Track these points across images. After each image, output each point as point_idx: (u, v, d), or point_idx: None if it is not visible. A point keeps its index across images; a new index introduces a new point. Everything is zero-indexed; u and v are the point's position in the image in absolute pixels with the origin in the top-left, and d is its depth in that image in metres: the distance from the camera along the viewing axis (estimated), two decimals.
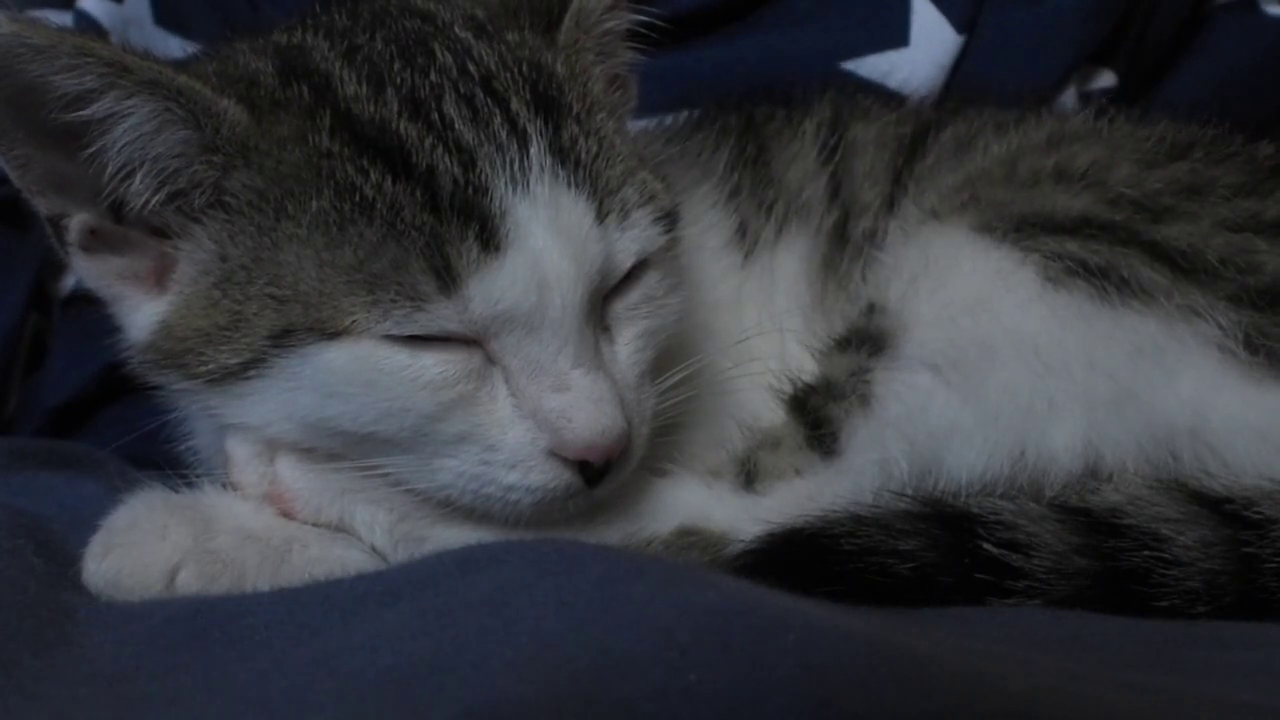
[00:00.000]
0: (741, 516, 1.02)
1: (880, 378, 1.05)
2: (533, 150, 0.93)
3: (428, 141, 0.91)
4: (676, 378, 1.02)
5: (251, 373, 0.92)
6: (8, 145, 0.92)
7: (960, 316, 1.05)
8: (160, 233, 0.96)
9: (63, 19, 1.44)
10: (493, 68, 0.97)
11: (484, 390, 0.93)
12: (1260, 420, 1.00)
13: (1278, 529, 0.94)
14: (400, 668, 0.69)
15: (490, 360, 0.93)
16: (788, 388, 1.10)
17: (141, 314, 0.98)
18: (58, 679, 0.76)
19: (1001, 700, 0.64)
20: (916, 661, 0.64)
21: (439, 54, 0.97)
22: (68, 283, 1.47)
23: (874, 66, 1.46)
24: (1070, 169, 1.12)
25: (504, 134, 0.93)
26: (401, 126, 0.92)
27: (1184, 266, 1.04)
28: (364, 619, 0.78)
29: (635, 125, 1.20)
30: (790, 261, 1.21)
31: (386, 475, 0.96)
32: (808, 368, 1.12)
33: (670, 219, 1.01)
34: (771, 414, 1.10)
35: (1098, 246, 1.04)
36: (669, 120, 1.33)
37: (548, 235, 0.91)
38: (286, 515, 0.98)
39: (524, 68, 0.98)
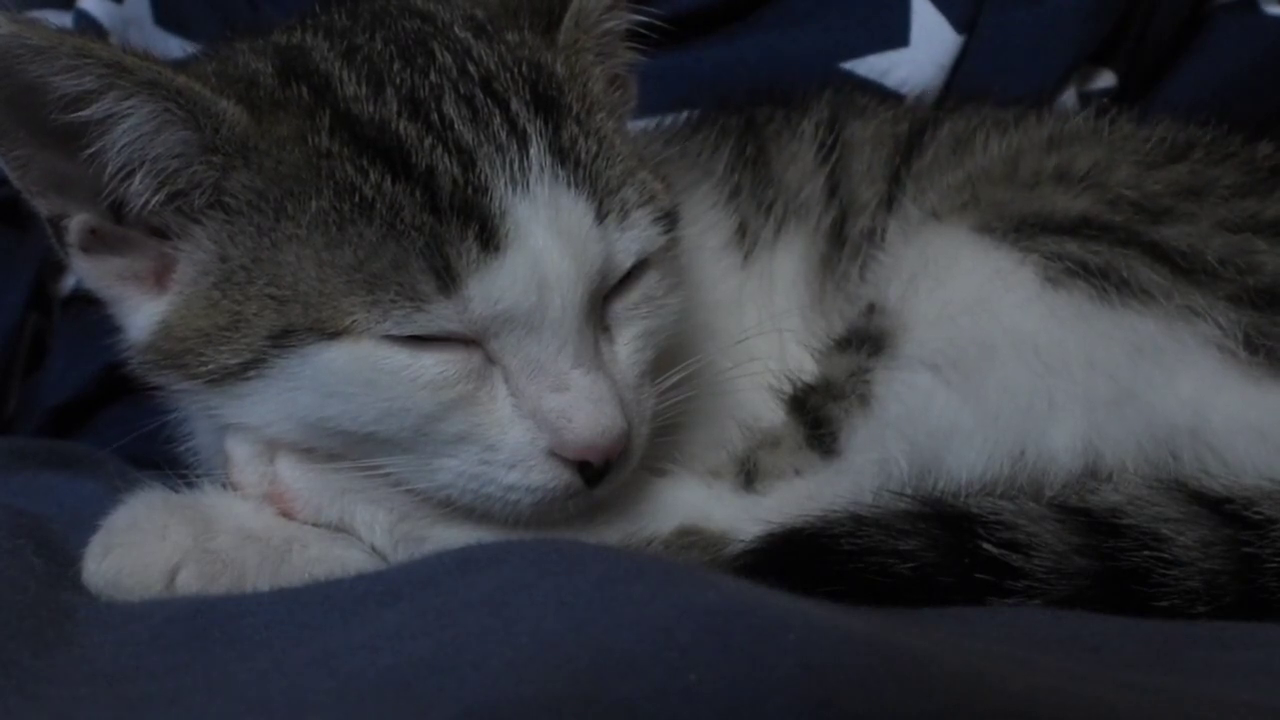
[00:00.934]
0: (741, 516, 1.02)
1: (880, 377, 1.05)
2: (532, 150, 0.93)
3: (427, 142, 0.91)
4: (676, 378, 1.02)
5: (251, 373, 0.92)
6: (8, 146, 0.92)
7: (960, 316, 1.05)
8: (160, 233, 0.96)
9: (63, 19, 1.44)
10: (492, 68, 0.97)
11: (484, 390, 0.93)
12: (1260, 420, 1.00)
13: (1278, 529, 0.94)
14: (400, 668, 0.69)
15: (490, 360, 0.93)
16: (787, 388, 1.10)
17: (141, 314, 0.98)
18: (58, 679, 0.76)
19: (1001, 700, 0.64)
20: (916, 661, 0.64)
21: (439, 54, 0.97)
22: (68, 283, 1.47)
23: (874, 67, 1.46)
24: (1071, 170, 1.12)
25: (504, 134, 0.93)
26: (401, 127, 0.92)
27: (1184, 267, 1.04)
28: (364, 619, 0.78)
29: (635, 125, 1.20)
30: (789, 261, 1.21)
31: (386, 475, 0.96)
32: (807, 367, 1.12)
33: (670, 219, 1.01)
34: (771, 414, 1.10)
35: (1098, 247, 1.04)
36: (669, 120, 1.33)
37: (547, 235, 0.91)
38: (286, 515, 0.98)
39: (524, 68, 0.98)
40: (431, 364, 0.91)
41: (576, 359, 0.93)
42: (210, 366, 0.93)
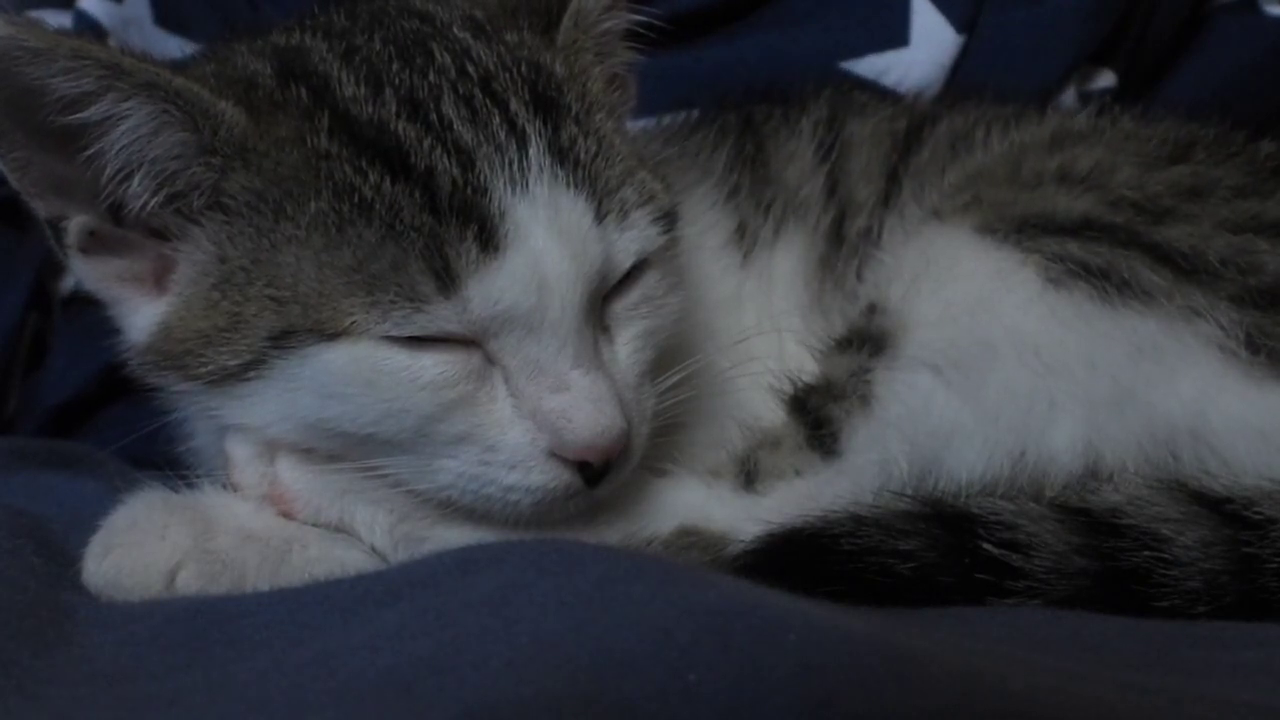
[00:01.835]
0: (741, 516, 1.02)
1: (881, 378, 1.05)
2: (532, 150, 0.93)
3: (426, 142, 0.91)
4: (676, 378, 1.02)
5: (251, 374, 0.92)
6: (6, 148, 0.92)
7: (961, 317, 1.05)
8: (159, 234, 0.96)
9: (62, 20, 1.44)
10: (491, 68, 0.97)
11: (483, 391, 0.93)
12: (1261, 420, 1.00)
13: (1278, 529, 0.94)
14: (400, 668, 0.69)
15: (490, 360, 0.93)
16: (788, 388, 1.10)
17: (141, 316, 0.98)
18: (58, 679, 0.76)
19: (1001, 700, 0.64)
20: (916, 661, 0.64)
21: (438, 55, 0.97)
22: (68, 283, 1.46)
23: (874, 66, 1.46)
24: (1073, 171, 1.12)
25: (503, 134, 0.93)
26: (400, 127, 0.92)
27: (1185, 268, 1.04)
28: (364, 619, 0.78)
29: (635, 125, 1.20)
30: (788, 261, 1.21)
31: (386, 476, 0.96)
32: (808, 367, 1.12)
33: (669, 219, 1.01)
34: (771, 414, 1.10)
35: (1099, 248, 1.04)
36: (668, 120, 1.33)
37: (547, 235, 0.91)
38: (286, 515, 0.98)
39: (523, 68, 0.98)
40: (431, 365, 0.91)
41: (576, 359, 0.93)
42: (210, 367, 0.93)
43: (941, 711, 0.61)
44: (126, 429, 1.11)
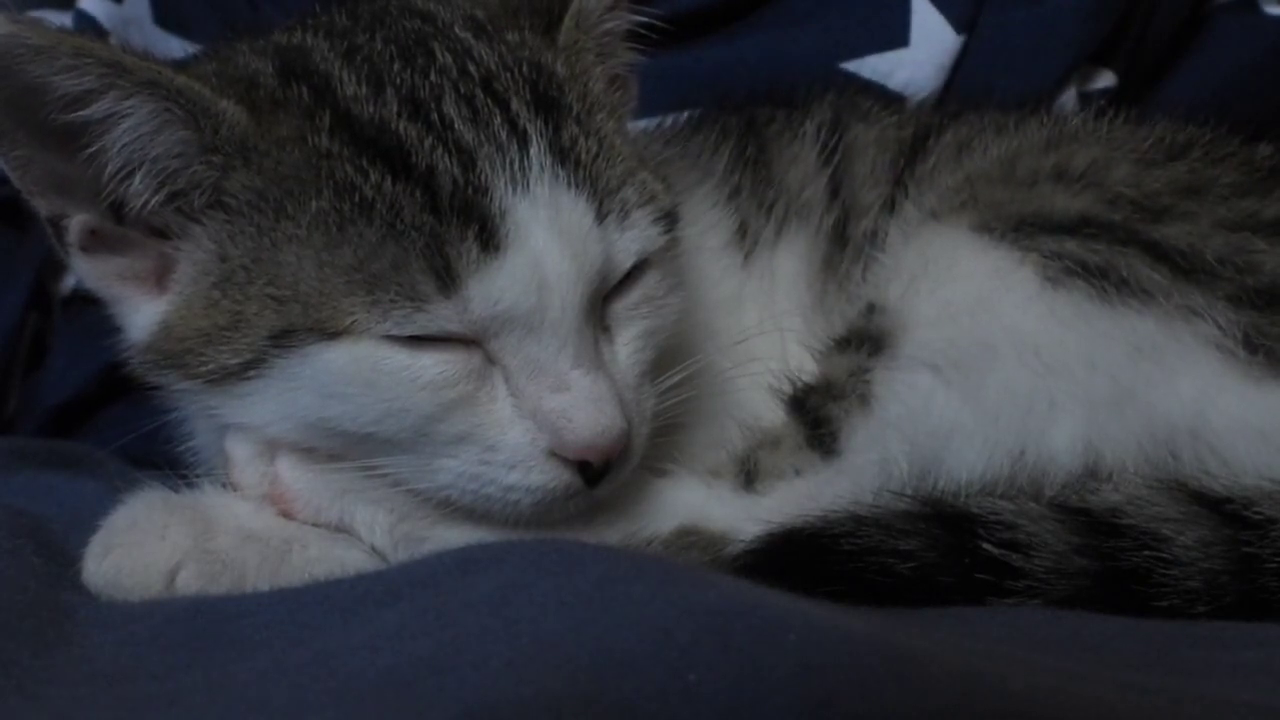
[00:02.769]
0: (741, 516, 1.02)
1: (880, 377, 1.05)
2: (533, 150, 0.93)
3: (427, 142, 0.91)
4: (676, 378, 1.02)
5: (251, 373, 0.92)
6: (8, 146, 0.92)
7: (960, 316, 1.05)
8: (160, 233, 0.96)
9: (62, 19, 1.44)
10: (493, 68, 0.97)
11: (484, 390, 0.93)
12: (1260, 420, 1.00)
13: (1278, 529, 0.94)
14: (400, 668, 0.69)
15: (490, 360, 0.93)
16: (788, 387, 1.10)
17: (141, 314, 0.98)
18: (58, 679, 0.76)
19: (1001, 700, 0.64)
20: (916, 661, 0.64)
21: (439, 54, 0.97)
22: (68, 283, 1.47)
23: (874, 67, 1.46)
24: (1069, 169, 1.12)
25: (504, 134, 0.93)
26: (401, 127, 0.92)
27: (1183, 266, 1.04)
28: (364, 619, 0.78)
29: (635, 125, 1.20)
30: (790, 262, 1.21)
31: (386, 475, 0.96)
32: (808, 367, 1.12)
33: (670, 219, 1.01)
34: (771, 414, 1.10)
35: (1097, 246, 1.04)
36: (669, 120, 1.33)
37: (548, 235, 0.91)
38: (286, 515, 0.98)
39: (524, 68, 0.98)
40: (431, 364, 0.91)
41: (576, 359, 0.93)
42: (210, 366, 0.93)
43: (941, 711, 0.61)
44: (126, 429, 1.11)
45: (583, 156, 0.95)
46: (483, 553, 0.82)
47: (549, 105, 0.96)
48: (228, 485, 0.99)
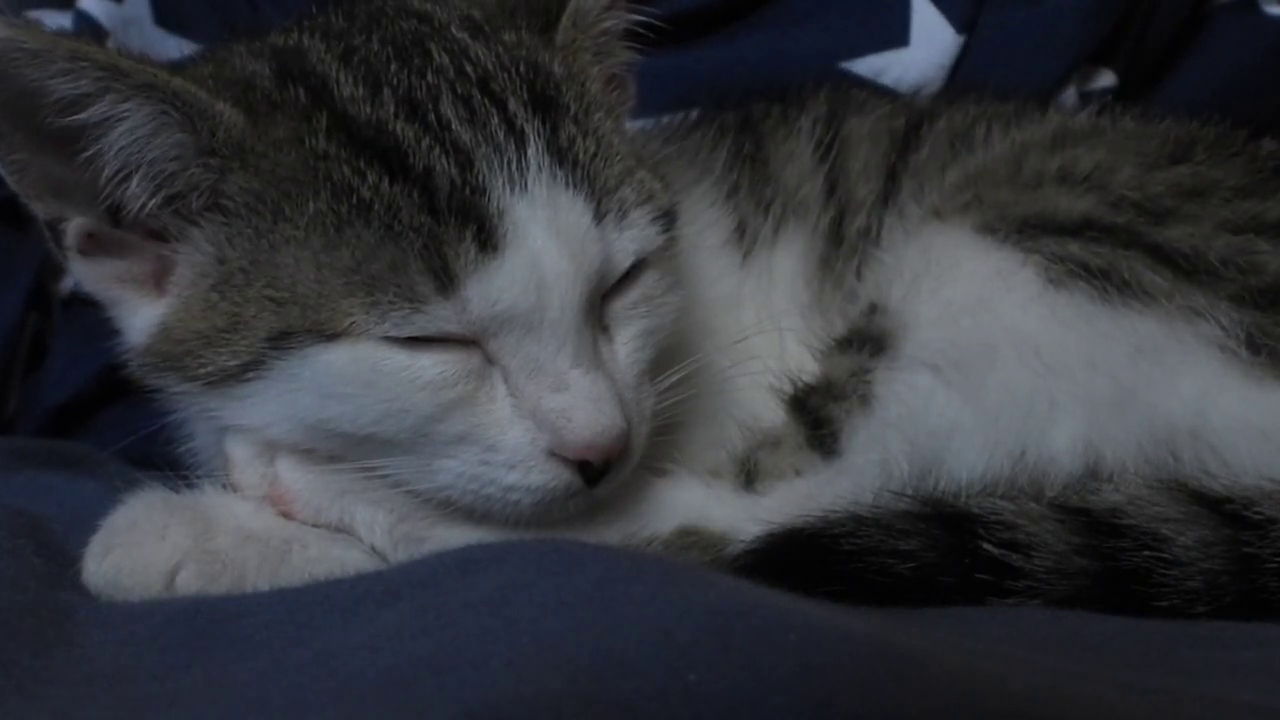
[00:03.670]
0: (741, 516, 1.02)
1: (881, 378, 1.05)
2: (530, 150, 0.93)
3: (425, 142, 0.91)
4: (676, 377, 1.02)
5: (250, 375, 0.92)
6: (5, 150, 0.92)
7: (961, 317, 1.05)
8: (158, 236, 0.96)
9: (62, 20, 1.44)
10: (490, 68, 0.97)
11: (483, 390, 0.93)
12: (1261, 420, 1.00)
13: (1278, 529, 0.94)
14: (400, 668, 0.69)
15: (489, 360, 0.93)
16: (788, 387, 1.10)
17: (140, 317, 0.98)
18: (58, 679, 0.76)
19: (1001, 700, 0.63)
20: (916, 661, 0.64)
21: (436, 55, 0.97)
22: (67, 283, 1.47)
23: (874, 66, 1.46)
24: (1074, 171, 1.12)
25: (501, 134, 0.93)
26: (398, 128, 0.92)
27: (1186, 268, 1.04)
28: (364, 619, 0.78)
29: (634, 125, 1.20)
30: (788, 260, 1.21)
31: (386, 476, 0.96)
32: (808, 367, 1.12)
33: (668, 218, 1.01)
34: (771, 414, 1.10)
35: (1100, 248, 1.04)
36: (668, 120, 1.32)
37: (546, 235, 0.91)
38: (286, 516, 0.98)
39: (521, 68, 0.97)
40: (430, 365, 0.91)
41: (575, 359, 0.93)
42: (209, 368, 0.93)
43: (941, 711, 0.61)
44: (126, 429, 1.11)
45: (580, 156, 0.95)
46: (483, 553, 0.82)
47: (546, 105, 0.96)
48: (228, 485, 0.99)
